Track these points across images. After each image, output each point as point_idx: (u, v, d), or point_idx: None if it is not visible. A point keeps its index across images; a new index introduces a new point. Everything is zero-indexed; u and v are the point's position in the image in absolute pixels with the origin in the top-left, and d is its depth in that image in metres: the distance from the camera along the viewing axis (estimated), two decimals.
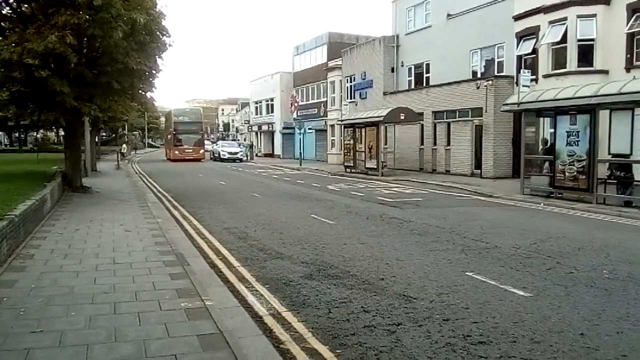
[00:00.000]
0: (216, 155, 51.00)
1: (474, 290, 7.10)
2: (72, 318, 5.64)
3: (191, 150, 49.76)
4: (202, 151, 51.03)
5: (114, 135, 76.39)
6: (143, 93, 20.14)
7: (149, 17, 15.44)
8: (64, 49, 13.94)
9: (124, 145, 56.36)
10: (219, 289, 6.95)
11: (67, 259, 8.31)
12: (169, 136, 52.53)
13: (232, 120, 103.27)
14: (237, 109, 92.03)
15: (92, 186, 19.69)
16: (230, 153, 49.38)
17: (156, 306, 6.06)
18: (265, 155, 60.87)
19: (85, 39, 15.78)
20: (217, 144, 57.58)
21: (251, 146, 59.05)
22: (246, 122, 72.33)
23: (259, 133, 65.08)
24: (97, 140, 41.64)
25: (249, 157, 52.34)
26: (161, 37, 17.47)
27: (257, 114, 64.97)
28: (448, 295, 6.87)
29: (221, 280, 7.52)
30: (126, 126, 63.58)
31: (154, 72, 18.23)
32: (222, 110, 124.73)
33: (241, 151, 51.48)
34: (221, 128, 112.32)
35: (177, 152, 49.36)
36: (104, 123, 36.10)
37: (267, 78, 60.88)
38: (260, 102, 63.32)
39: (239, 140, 73.96)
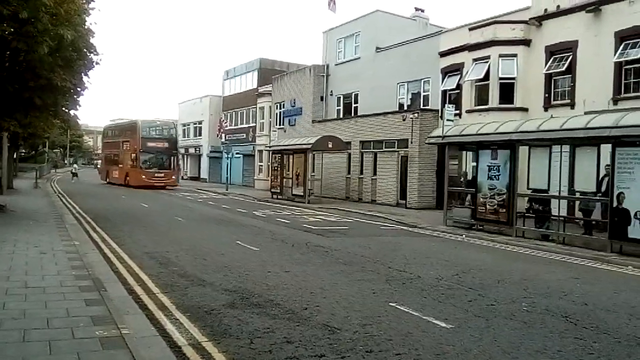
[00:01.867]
0: None
1: (397, 321, 7.13)
2: None
3: (162, 175, 40.28)
4: (174, 177, 41.87)
5: (33, 152, 73.36)
6: (67, 110, 19.45)
7: (76, 34, 15.02)
8: None
9: (75, 166, 53.75)
10: (137, 317, 6.66)
11: None
12: (132, 154, 41.21)
13: None
14: None
15: (6, 204, 18.69)
16: None
17: (69, 334, 5.73)
18: (191, 178, 59.78)
19: (8, 52, 15.12)
20: None
21: None
22: None
23: (185, 156, 63.96)
24: (15, 156, 39.79)
25: None
26: (88, 54, 17.05)
27: (184, 136, 63.82)
28: (372, 326, 6.86)
29: (139, 307, 7.21)
30: (47, 143, 61.01)
31: (79, 89, 17.73)
32: None
33: None
34: None
35: (143, 176, 39.54)
36: (23, 139, 34.64)
37: (196, 101, 60.14)
38: (188, 125, 62.35)
39: None
